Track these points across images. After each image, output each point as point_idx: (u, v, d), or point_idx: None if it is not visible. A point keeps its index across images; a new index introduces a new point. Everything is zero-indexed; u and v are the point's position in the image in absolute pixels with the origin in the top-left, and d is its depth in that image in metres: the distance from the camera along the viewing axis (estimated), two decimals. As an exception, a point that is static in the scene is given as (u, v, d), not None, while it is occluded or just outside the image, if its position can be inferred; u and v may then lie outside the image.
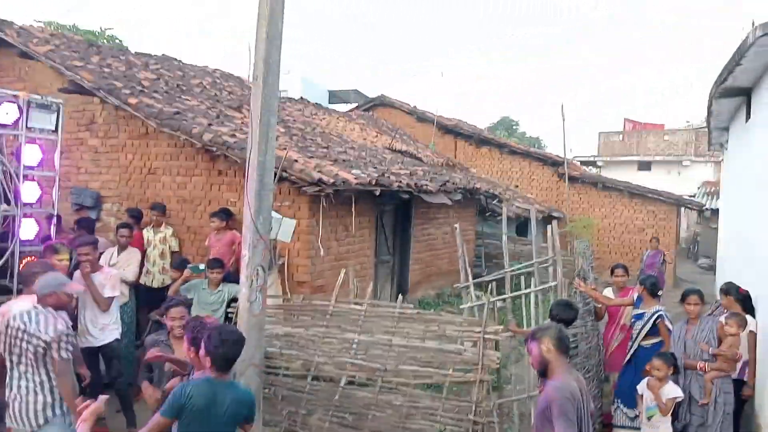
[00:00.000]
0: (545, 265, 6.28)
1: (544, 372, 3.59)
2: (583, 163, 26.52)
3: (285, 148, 7.71)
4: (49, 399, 4.12)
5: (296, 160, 7.34)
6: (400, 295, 6.28)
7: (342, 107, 21.36)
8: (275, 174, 5.74)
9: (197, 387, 3.54)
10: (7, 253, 5.63)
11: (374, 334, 5.49)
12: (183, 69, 11.48)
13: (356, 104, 21.89)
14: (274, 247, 6.86)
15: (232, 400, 3.56)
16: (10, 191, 5.66)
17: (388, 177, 8.64)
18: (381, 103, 20.51)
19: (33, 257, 5.75)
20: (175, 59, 12.13)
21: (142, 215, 7.78)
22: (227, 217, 7.30)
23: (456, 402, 5.12)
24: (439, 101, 71.28)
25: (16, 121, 5.67)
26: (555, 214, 15.65)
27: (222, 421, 3.51)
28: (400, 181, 8.79)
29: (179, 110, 7.99)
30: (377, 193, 8.23)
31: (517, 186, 18.01)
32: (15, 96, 5.73)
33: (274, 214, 5.91)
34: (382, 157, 10.94)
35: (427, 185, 9.55)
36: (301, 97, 16.17)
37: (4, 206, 5.62)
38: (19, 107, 5.67)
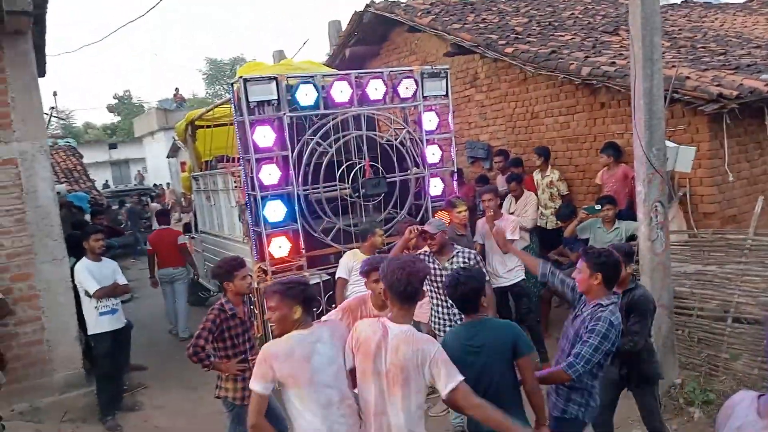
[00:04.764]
0: None
1: None
2: None
3: (673, 66, 6.92)
4: None
5: (688, 77, 6.52)
6: None
7: (739, -1, 18.04)
8: (665, 97, 5.23)
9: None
10: (422, 209, 6.50)
11: (811, 271, 4.62)
12: (552, 4, 11.28)
13: (759, -10, 18.18)
14: (671, 178, 6.29)
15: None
16: (418, 155, 6.50)
17: (814, 74, 6.99)
18: (794, -20, 16.58)
19: (441, 210, 6.52)
20: (544, -5, 11.98)
21: (522, 161, 8.03)
22: (617, 152, 6.97)
23: None
24: None
25: (414, 93, 6.41)
26: None
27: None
28: (833, 77, 7.02)
29: (554, 49, 7.89)
30: (799, 97, 6.75)
31: None
32: (411, 71, 6.48)
33: (667, 143, 5.39)
34: (801, 51, 8.90)
35: None
36: (685, 0, 14.23)
37: (415, 169, 6.48)
38: (415, 80, 6.39)
